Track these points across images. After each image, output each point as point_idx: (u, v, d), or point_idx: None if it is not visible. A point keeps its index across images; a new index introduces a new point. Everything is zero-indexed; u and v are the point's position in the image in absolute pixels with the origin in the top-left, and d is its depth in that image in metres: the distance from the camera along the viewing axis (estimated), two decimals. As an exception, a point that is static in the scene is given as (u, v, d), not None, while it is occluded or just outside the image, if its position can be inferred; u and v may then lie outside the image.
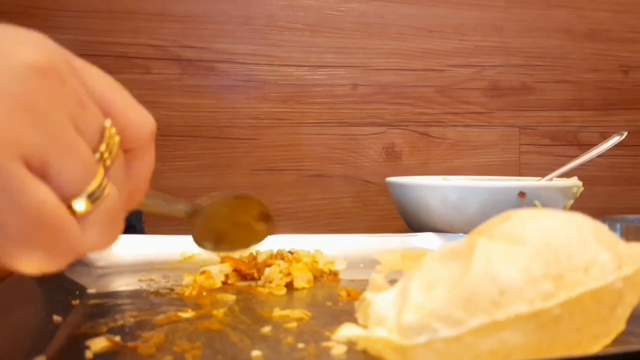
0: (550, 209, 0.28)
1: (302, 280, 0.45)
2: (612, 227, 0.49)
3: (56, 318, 0.33)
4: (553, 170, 0.73)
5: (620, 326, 0.27)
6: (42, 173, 0.21)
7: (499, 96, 0.98)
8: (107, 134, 0.23)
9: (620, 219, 0.50)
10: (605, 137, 0.72)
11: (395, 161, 0.94)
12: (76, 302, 0.38)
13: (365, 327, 0.28)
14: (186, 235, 0.57)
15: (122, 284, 0.46)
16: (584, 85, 1.01)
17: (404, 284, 0.27)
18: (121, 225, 0.24)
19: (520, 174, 0.97)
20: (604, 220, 0.50)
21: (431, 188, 0.66)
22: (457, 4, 0.95)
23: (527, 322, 0.23)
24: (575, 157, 0.73)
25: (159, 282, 0.46)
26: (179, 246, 0.55)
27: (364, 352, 0.27)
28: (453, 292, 0.24)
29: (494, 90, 0.97)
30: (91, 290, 0.42)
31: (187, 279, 0.45)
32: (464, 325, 0.23)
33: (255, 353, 0.29)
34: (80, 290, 0.42)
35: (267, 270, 0.45)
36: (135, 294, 0.42)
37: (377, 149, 0.94)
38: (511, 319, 0.23)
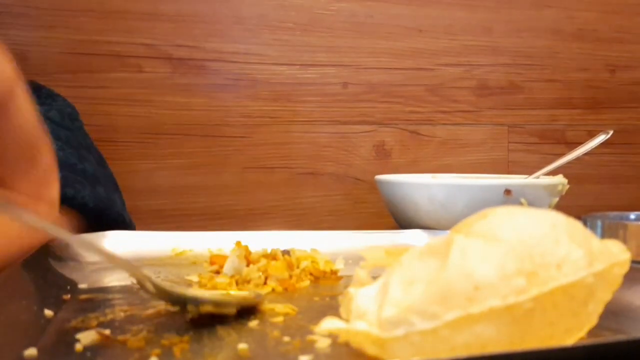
0: (527, 208, 0.29)
1: (274, 280, 0.44)
2: (594, 225, 0.50)
3: (47, 312, 0.34)
4: (541, 168, 0.74)
5: (593, 321, 0.28)
6: None
7: (488, 95, 0.99)
8: None
9: (601, 216, 0.52)
10: (592, 135, 0.73)
11: (386, 159, 0.95)
12: (67, 296, 0.39)
13: (347, 321, 0.29)
14: (177, 232, 0.58)
15: (113, 279, 0.46)
16: (572, 84, 1.02)
17: (385, 279, 0.28)
18: None
19: (508, 172, 0.98)
20: (585, 218, 0.51)
21: (419, 186, 0.67)
22: (446, 4, 0.96)
23: (501, 316, 0.24)
24: (562, 155, 0.74)
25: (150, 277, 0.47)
26: (170, 242, 0.56)
27: (347, 345, 0.28)
28: (430, 288, 0.24)
29: (483, 89, 0.98)
30: (82, 286, 0.43)
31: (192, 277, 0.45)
32: (439, 319, 0.24)
33: (242, 346, 0.30)
34: (71, 285, 0.42)
35: (244, 269, 0.45)
36: (126, 289, 0.43)
37: (367, 147, 0.95)
38: (485, 313, 0.24)
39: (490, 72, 0.99)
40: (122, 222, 0.62)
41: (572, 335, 0.27)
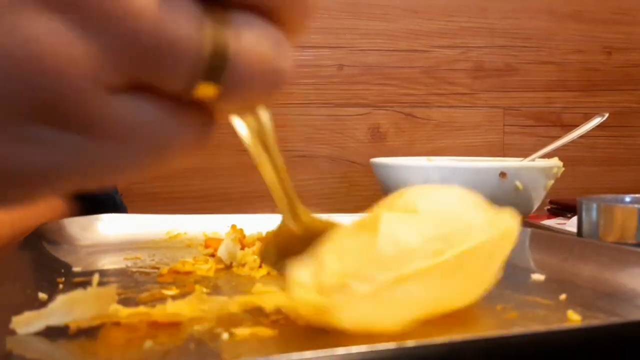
0: (437, 185, 0.33)
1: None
2: (589, 207, 0.50)
3: (41, 295, 0.34)
4: (536, 150, 0.74)
5: (495, 278, 0.31)
6: None
7: (483, 77, 0.98)
8: None
9: (596, 198, 0.52)
10: (588, 118, 0.73)
11: (381, 142, 0.95)
12: (61, 280, 0.39)
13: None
14: (171, 215, 0.58)
15: (108, 263, 0.46)
16: (568, 66, 1.01)
17: (315, 253, 0.29)
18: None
19: (504, 155, 0.98)
20: (581, 200, 0.51)
21: (414, 169, 0.67)
22: (442, -16, 0.96)
23: (427, 275, 0.27)
24: (558, 137, 0.74)
25: (145, 260, 0.47)
26: (164, 225, 0.56)
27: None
28: (364, 256, 0.27)
29: (479, 71, 0.98)
30: (77, 269, 0.43)
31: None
32: (374, 281, 0.26)
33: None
34: (65, 269, 0.42)
35: (239, 252, 0.45)
36: (120, 272, 0.43)
37: (362, 129, 0.94)
38: (412, 274, 0.27)
39: (486, 54, 0.98)
40: (112, 204, 0.62)
41: (481, 290, 0.31)
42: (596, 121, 0.72)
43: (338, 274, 0.27)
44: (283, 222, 0.32)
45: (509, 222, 0.31)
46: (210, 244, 0.49)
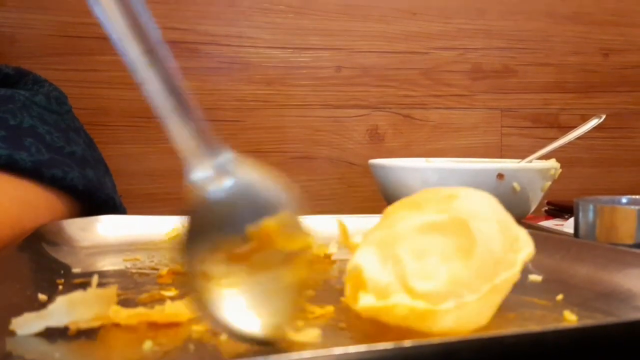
0: (472, 189, 0.32)
1: None
2: (586, 208, 0.50)
3: (41, 296, 0.34)
4: (534, 152, 0.74)
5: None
6: None
7: (481, 79, 0.99)
8: None
9: (593, 200, 0.52)
10: (585, 119, 0.74)
11: (379, 143, 0.95)
12: (61, 281, 0.39)
13: (357, 294, 0.29)
14: (171, 216, 0.58)
15: (107, 264, 0.46)
16: (565, 68, 1.02)
17: (380, 250, 0.30)
18: None
19: (502, 156, 0.98)
20: (578, 202, 0.52)
21: (412, 170, 0.67)
22: (440, -14, 0.96)
23: (506, 285, 0.29)
24: (555, 139, 0.74)
25: (144, 261, 0.47)
26: (164, 226, 0.56)
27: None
28: (466, 263, 0.28)
29: (477, 72, 0.98)
30: (76, 270, 0.43)
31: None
32: (480, 291, 0.28)
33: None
34: (65, 270, 0.42)
35: None
36: (120, 274, 0.43)
37: (361, 131, 0.95)
38: (501, 283, 0.28)
39: (484, 55, 0.99)
40: (112, 206, 0.62)
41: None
42: (593, 123, 0.72)
43: (439, 279, 0.28)
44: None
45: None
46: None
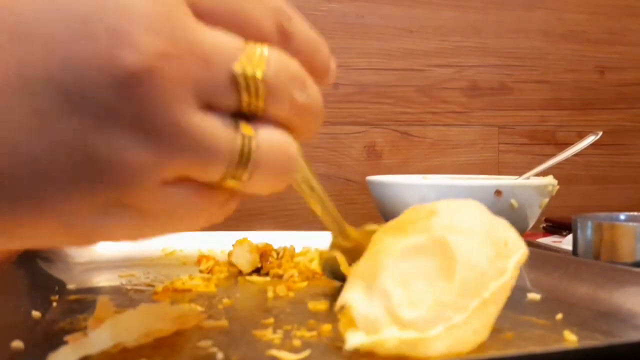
0: (453, 200, 0.32)
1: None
2: (584, 225, 0.50)
3: (35, 314, 0.34)
4: (531, 169, 0.74)
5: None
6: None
7: (478, 96, 0.99)
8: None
9: (591, 216, 0.52)
10: (582, 136, 0.74)
11: (376, 160, 0.95)
12: (55, 297, 0.38)
13: (350, 331, 0.28)
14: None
15: (103, 280, 0.46)
16: (562, 85, 1.02)
17: (365, 282, 0.28)
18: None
19: (499, 173, 0.98)
20: (576, 218, 0.52)
21: (410, 187, 0.67)
22: (437, 5, 0.97)
23: (499, 294, 0.29)
24: (552, 156, 0.74)
25: (140, 278, 0.46)
26: (159, 242, 0.55)
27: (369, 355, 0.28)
28: (448, 283, 0.28)
29: (474, 90, 0.99)
30: (71, 286, 0.42)
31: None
32: (468, 309, 0.27)
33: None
34: (59, 286, 0.42)
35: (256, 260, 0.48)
36: (115, 290, 0.42)
37: (358, 148, 0.95)
38: (491, 295, 0.28)
39: (481, 72, 0.99)
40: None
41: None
42: (590, 139, 0.73)
43: (423, 304, 0.27)
44: (334, 239, 0.37)
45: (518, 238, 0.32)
46: (202, 261, 0.49)
